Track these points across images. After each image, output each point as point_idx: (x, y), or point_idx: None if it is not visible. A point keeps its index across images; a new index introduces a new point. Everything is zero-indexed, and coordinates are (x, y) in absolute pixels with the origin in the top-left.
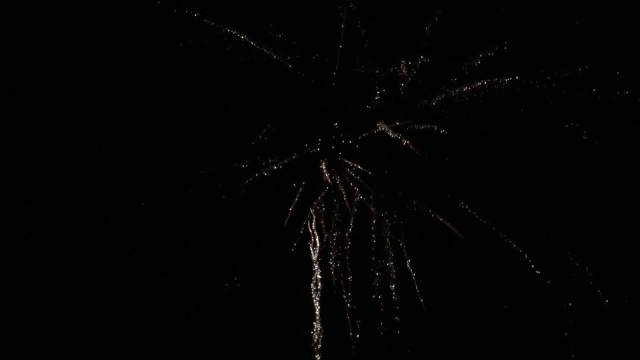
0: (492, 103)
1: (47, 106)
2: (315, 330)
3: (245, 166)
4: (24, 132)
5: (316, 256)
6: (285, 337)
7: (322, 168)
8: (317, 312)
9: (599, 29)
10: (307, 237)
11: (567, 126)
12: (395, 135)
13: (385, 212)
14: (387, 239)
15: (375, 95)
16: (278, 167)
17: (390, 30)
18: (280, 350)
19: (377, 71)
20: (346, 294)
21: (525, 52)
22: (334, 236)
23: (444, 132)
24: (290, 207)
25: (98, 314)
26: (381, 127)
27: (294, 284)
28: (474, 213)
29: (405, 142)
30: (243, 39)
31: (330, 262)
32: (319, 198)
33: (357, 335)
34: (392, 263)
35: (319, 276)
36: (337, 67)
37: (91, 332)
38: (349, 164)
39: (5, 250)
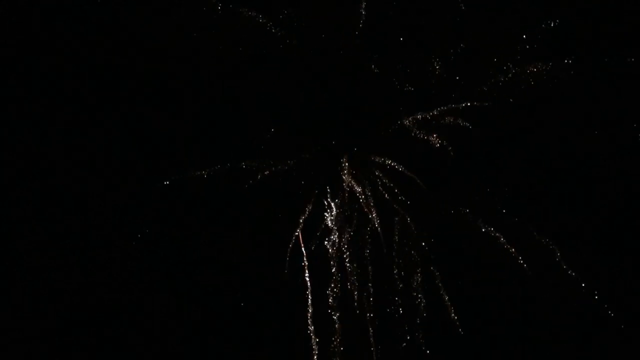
0: (504, 100)
1: (47, 106)
2: (334, 338)
3: (251, 165)
4: (24, 132)
5: (334, 254)
6: (286, 337)
7: (342, 165)
8: (335, 319)
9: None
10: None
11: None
12: (418, 131)
13: (403, 210)
14: (409, 238)
15: (392, 90)
16: (289, 165)
17: (407, 25)
18: (281, 350)
19: (398, 66)
20: (367, 298)
21: (533, 51)
22: (350, 234)
23: (467, 126)
24: (308, 205)
25: (98, 314)
26: (406, 122)
27: (294, 283)
28: (488, 211)
29: (426, 137)
30: (261, 21)
31: (347, 264)
32: (340, 195)
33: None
34: (417, 265)
35: (338, 278)
36: (347, 61)
37: (91, 332)
38: (373, 159)
39: (5, 250)
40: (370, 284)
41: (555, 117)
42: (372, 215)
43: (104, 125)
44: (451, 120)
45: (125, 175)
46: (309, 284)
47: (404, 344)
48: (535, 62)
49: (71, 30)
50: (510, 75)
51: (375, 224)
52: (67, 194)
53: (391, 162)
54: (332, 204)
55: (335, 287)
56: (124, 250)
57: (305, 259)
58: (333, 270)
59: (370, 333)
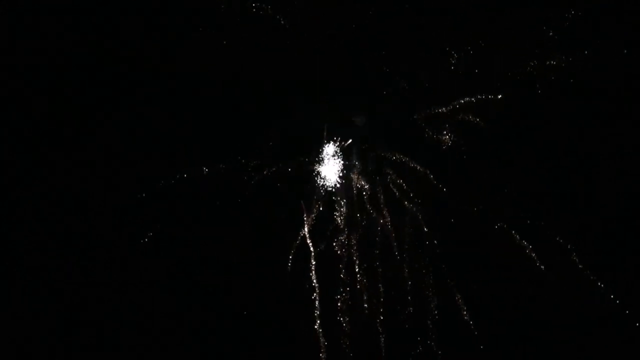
0: (516, 98)
1: (47, 106)
2: (343, 340)
3: (256, 165)
4: (24, 132)
5: (344, 255)
6: (286, 337)
7: (353, 163)
8: (344, 321)
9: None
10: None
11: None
12: (429, 130)
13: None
14: (420, 237)
15: (403, 89)
16: (297, 164)
17: (416, 24)
18: (280, 350)
19: (408, 64)
20: (377, 298)
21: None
22: (360, 234)
23: (479, 124)
24: (316, 204)
25: (98, 314)
26: (417, 118)
27: (302, 284)
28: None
29: (438, 136)
30: (265, 15)
31: (356, 264)
32: (350, 194)
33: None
34: (428, 265)
35: (347, 279)
36: (355, 58)
37: (91, 332)
38: (384, 157)
39: (5, 250)
40: (380, 285)
41: (569, 116)
42: (382, 213)
43: (104, 125)
44: (462, 117)
45: (125, 175)
46: (316, 285)
47: (415, 345)
48: (549, 59)
49: (71, 30)
50: (528, 69)
51: (385, 223)
52: (67, 194)
53: (402, 158)
54: (342, 202)
55: (344, 288)
56: (124, 250)
57: (313, 259)
58: (342, 274)
59: (381, 334)
